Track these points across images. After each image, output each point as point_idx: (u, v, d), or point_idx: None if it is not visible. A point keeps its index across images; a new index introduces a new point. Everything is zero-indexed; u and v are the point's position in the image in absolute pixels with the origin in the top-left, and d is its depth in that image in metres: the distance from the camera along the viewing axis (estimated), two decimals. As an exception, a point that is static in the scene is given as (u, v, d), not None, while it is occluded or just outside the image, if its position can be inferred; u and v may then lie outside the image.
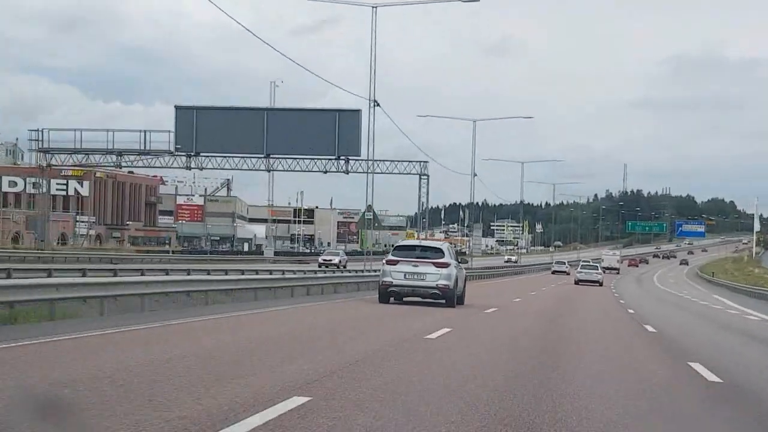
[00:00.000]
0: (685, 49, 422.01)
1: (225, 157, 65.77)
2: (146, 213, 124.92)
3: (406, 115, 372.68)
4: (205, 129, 62.87)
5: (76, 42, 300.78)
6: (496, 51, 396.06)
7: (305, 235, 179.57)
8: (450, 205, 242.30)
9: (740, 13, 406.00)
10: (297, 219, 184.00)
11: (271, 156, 65.12)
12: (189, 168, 65.33)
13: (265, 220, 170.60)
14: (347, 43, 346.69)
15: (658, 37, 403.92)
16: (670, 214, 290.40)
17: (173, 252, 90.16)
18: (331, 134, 59.22)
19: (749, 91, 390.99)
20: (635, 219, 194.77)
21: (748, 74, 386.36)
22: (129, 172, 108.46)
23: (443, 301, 25.22)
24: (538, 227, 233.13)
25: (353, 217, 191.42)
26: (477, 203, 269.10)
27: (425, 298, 25.70)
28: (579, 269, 66.72)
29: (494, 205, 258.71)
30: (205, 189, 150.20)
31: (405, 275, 25.26)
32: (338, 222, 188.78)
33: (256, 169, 65.48)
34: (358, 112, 61.35)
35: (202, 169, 65.27)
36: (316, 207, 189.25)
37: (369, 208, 51.88)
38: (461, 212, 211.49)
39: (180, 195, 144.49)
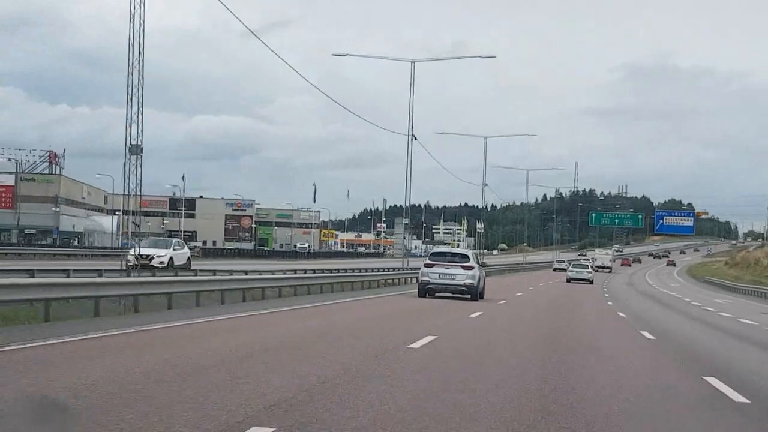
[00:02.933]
0: (637, 57, 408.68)
1: None
2: None
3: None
4: None
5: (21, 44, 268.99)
6: (446, 55, 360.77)
7: (184, 231, 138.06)
8: (391, 207, 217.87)
9: (689, 23, 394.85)
10: (174, 211, 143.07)
11: None
12: None
13: (131, 212, 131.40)
14: (296, 47, 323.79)
15: (609, 45, 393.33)
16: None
17: None
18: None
19: (700, 98, 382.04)
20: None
21: (698, 82, 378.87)
22: None
23: (468, 296, 31.05)
24: (479, 226, 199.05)
25: (245, 210, 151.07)
26: (419, 205, 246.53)
27: (454, 294, 31.22)
28: (570, 268, 69.91)
29: (436, 208, 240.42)
30: (17, 162, 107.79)
31: (439, 275, 31.13)
32: (226, 215, 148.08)
33: None
34: None
35: None
36: (200, 197, 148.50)
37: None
38: (383, 213, 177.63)
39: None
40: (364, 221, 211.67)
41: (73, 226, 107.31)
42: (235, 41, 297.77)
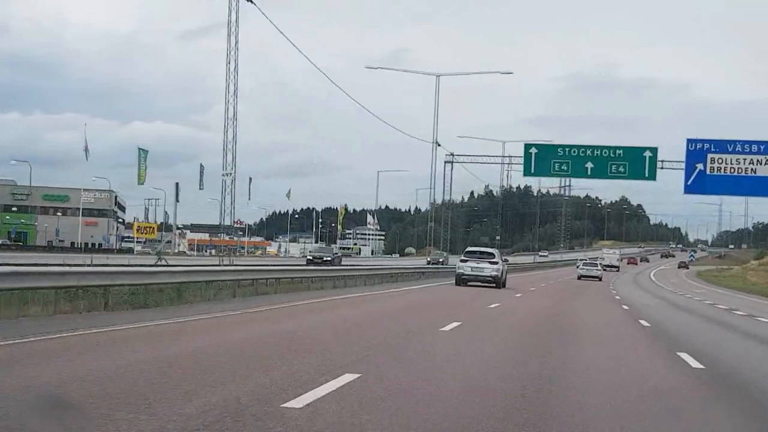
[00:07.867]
0: (580, 68, 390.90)
1: None
2: None
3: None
4: None
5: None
6: (387, 64, 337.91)
7: None
8: (303, 209, 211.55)
9: (632, 34, 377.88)
10: None
11: None
12: None
13: None
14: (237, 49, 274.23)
15: (554, 56, 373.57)
16: (571, 215, 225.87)
17: None
18: None
19: (642, 109, 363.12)
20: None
21: (641, 93, 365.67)
22: None
23: (494, 285, 40.43)
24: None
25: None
26: (335, 208, 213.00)
27: (483, 283, 40.66)
28: (581, 266, 76.36)
29: (354, 211, 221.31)
30: None
31: (471, 268, 40.81)
32: None
33: None
34: None
35: None
36: None
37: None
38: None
39: None
40: (272, 225, 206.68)
41: None
42: (174, 43, 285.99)
